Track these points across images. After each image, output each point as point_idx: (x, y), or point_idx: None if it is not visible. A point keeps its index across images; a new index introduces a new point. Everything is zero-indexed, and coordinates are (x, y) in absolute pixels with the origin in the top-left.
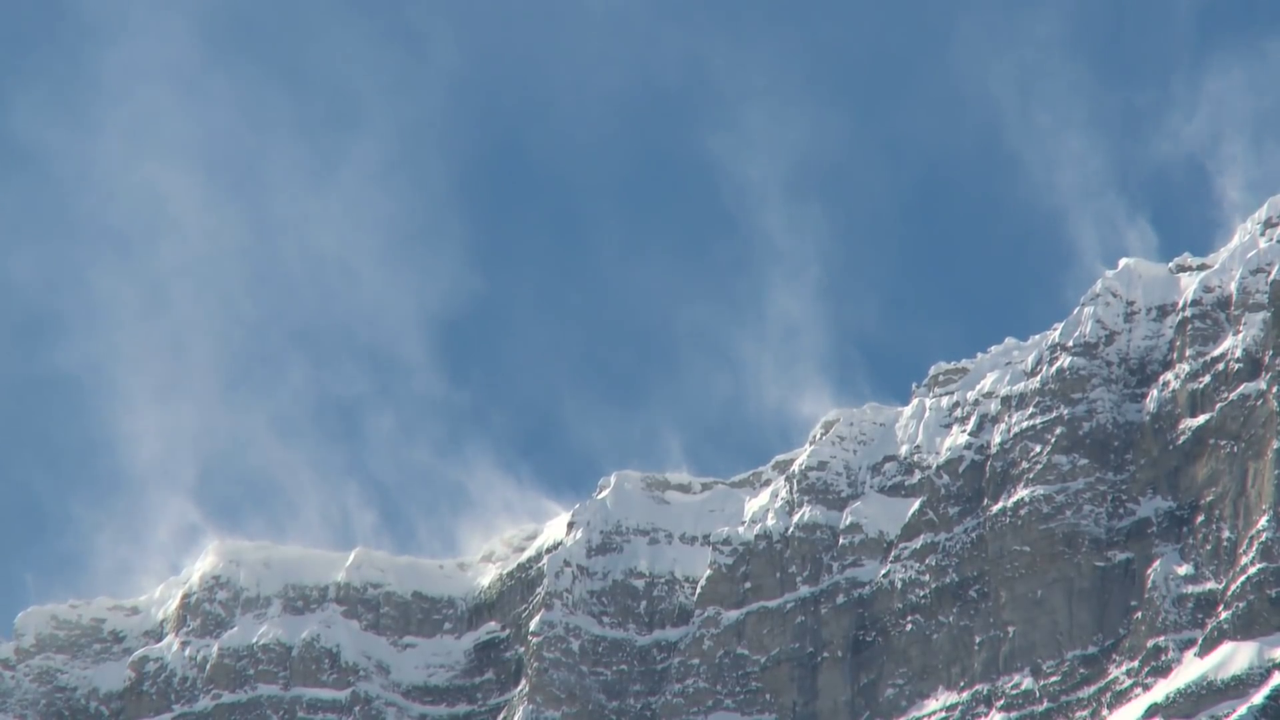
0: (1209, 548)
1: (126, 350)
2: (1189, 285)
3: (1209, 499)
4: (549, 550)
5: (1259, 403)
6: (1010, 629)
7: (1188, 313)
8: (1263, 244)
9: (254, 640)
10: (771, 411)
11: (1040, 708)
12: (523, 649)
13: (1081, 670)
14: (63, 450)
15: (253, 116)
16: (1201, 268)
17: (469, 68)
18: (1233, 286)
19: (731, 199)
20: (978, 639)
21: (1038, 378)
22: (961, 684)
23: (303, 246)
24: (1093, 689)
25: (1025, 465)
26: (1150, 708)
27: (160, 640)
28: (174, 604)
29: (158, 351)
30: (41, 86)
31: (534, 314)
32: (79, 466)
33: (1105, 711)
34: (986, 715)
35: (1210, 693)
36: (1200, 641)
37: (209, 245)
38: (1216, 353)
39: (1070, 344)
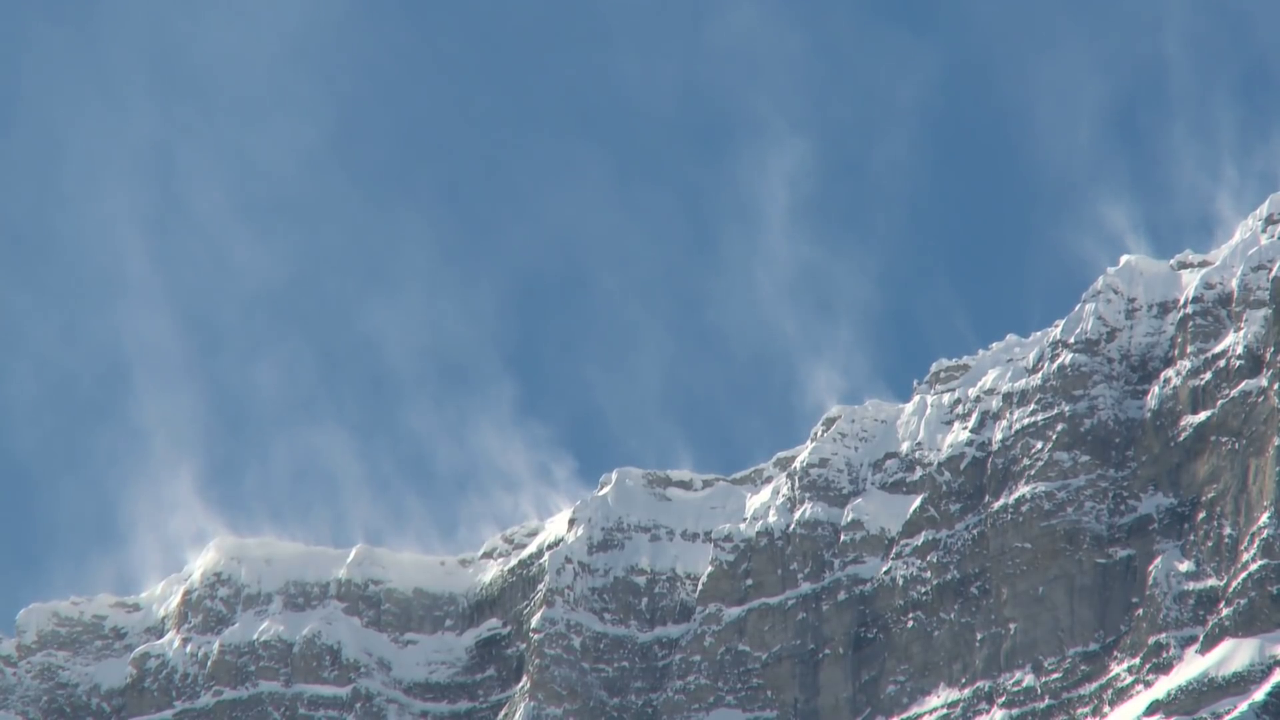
0: (1210, 544)
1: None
2: (1190, 282)
3: (1210, 496)
4: (550, 547)
5: (1260, 399)
6: (1012, 626)
7: (1189, 309)
8: (1264, 240)
9: (255, 637)
10: (773, 408)
11: (1042, 704)
12: (524, 646)
13: (1083, 667)
14: (62, 445)
15: None
16: (1203, 264)
17: None
18: (1234, 283)
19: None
20: (979, 636)
21: (1039, 374)
22: (963, 681)
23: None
24: (1094, 686)
25: (1026, 462)
26: (1152, 704)
27: (162, 637)
28: (175, 601)
29: (159, 344)
30: None
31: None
32: (78, 461)
33: (1107, 708)
34: (988, 712)
35: (1212, 689)
36: (1202, 638)
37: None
38: (1218, 349)
39: (1071, 341)
